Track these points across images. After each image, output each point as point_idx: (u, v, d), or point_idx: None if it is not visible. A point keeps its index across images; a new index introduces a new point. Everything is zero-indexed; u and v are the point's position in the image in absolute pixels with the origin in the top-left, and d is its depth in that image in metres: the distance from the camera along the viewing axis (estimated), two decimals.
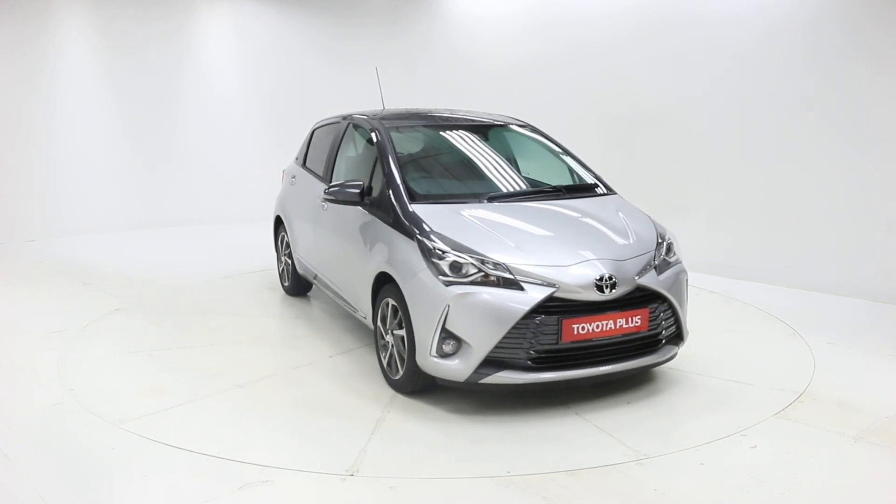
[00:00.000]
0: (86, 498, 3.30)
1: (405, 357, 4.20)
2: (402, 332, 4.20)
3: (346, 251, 5.04)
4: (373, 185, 4.86)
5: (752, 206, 7.17)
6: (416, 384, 4.23)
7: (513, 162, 5.38)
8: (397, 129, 5.21)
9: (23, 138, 8.86)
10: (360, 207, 4.83)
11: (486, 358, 3.86)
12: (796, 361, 4.92)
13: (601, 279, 3.95)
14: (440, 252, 4.04)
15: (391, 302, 4.32)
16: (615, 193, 5.03)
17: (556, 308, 3.89)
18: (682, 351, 4.51)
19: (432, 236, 4.14)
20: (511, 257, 3.98)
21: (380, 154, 4.91)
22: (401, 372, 4.29)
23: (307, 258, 5.94)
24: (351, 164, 5.54)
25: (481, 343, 3.84)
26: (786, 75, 6.80)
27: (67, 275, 7.25)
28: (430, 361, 3.99)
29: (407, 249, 4.21)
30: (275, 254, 6.97)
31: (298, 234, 6.11)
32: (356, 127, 5.58)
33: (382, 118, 5.34)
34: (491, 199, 4.61)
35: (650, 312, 4.09)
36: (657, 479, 3.40)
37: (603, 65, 8.19)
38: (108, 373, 4.73)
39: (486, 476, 3.42)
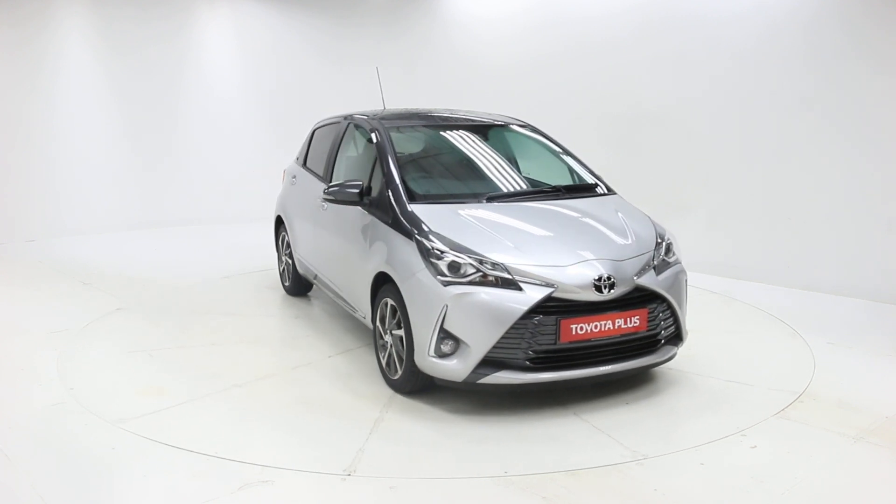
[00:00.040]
0: (86, 498, 3.30)
1: (404, 357, 4.20)
2: (401, 332, 4.20)
3: (345, 251, 5.05)
4: (372, 185, 4.86)
5: (752, 206, 7.17)
6: (415, 384, 4.23)
7: (513, 162, 5.38)
8: (397, 129, 5.21)
9: (23, 138, 8.87)
10: (359, 207, 4.84)
11: (485, 358, 3.86)
12: (796, 361, 4.92)
13: (599, 279, 3.95)
14: (438, 252, 4.04)
15: (390, 302, 4.32)
16: (615, 193, 5.03)
17: (555, 308, 3.88)
18: (682, 351, 4.51)
19: (431, 236, 4.15)
20: (509, 257, 3.98)
21: (379, 154, 4.91)
22: (399, 372, 4.29)
23: (307, 258, 5.94)
24: (351, 164, 5.54)
25: (479, 343, 3.84)
26: (786, 75, 6.80)
27: (67, 275, 7.25)
28: (429, 361, 3.99)
29: (405, 249, 4.21)
30: (275, 253, 6.98)
31: (299, 234, 6.11)
32: (356, 127, 5.58)
33: (382, 118, 5.34)
34: (490, 199, 4.61)
35: (649, 313, 4.09)
36: (657, 479, 3.40)
37: (603, 65, 8.18)
38: (107, 373, 4.74)
39: (486, 476, 3.42)
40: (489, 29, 9.44)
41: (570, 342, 3.90)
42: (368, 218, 4.72)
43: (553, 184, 5.01)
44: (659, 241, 4.41)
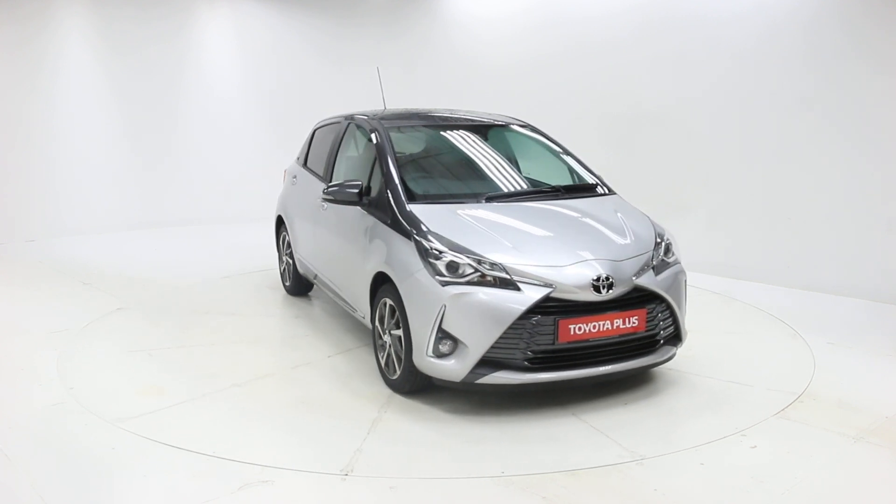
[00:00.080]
0: (86, 498, 3.30)
1: (402, 357, 4.20)
2: (400, 332, 4.20)
3: (345, 251, 5.05)
4: (371, 185, 4.86)
5: (751, 206, 7.17)
6: (414, 384, 4.23)
7: (513, 162, 5.38)
8: (398, 129, 5.21)
9: (23, 138, 8.87)
10: (358, 207, 4.84)
11: (483, 358, 3.86)
12: (796, 362, 4.92)
13: (598, 279, 3.95)
14: (437, 252, 4.04)
15: (389, 302, 4.32)
16: (614, 193, 5.02)
17: (553, 308, 3.88)
18: (682, 351, 4.51)
19: (429, 236, 4.15)
20: (508, 257, 3.98)
21: (378, 154, 4.91)
22: (398, 372, 4.29)
23: (307, 258, 5.94)
24: (351, 164, 5.54)
25: (477, 343, 3.84)
26: (786, 75, 6.80)
27: (67, 275, 7.25)
28: (427, 361, 3.99)
29: (404, 249, 4.21)
30: (275, 253, 6.98)
31: (299, 234, 6.11)
32: (356, 127, 5.58)
33: (382, 118, 5.34)
34: (489, 199, 4.61)
35: (648, 313, 4.09)
36: (657, 479, 3.40)
37: (603, 65, 8.18)
38: (107, 372, 4.74)
39: (486, 476, 3.42)
40: (489, 29, 9.44)
41: (569, 342, 3.90)
42: (368, 218, 4.72)
43: (553, 184, 5.01)
44: (658, 241, 4.41)
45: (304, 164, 6.28)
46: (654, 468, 3.50)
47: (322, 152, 5.97)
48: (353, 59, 10.50)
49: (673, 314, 4.25)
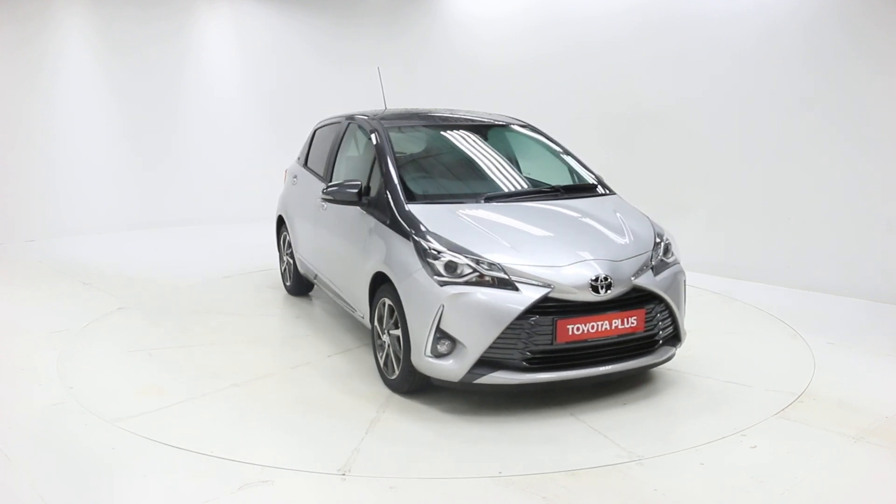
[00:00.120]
0: (86, 498, 3.30)
1: (401, 357, 4.21)
2: (399, 332, 4.20)
3: (344, 251, 5.05)
4: (371, 185, 4.86)
5: (751, 206, 7.17)
6: (412, 384, 4.23)
7: (513, 162, 5.38)
8: (398, 129, 5.21)
9: (23, 138, 8.88)
10: (358, 207, 4.84)
11: (481, 358, 3.85)
12: (796, 362, 4.91)
13: (596, 279, 3.95)
14: (435, 252, 4.04)
15: (388, 302, 4.32)
16: (614, 193, 5.02)
17: (552, 308, 3.88)
18: (681, 351, 4.51)
19: (428, 236, 4.15)
20: (506, 257, 3.98)
21: (378, 154, 4.91)
22: (397, 372, 4.29)
23: (308, 258, 5.95)
24: (351, 164, 5.54)
25: (476, 343, 3.84)
26: (786, 75, 6.80)
27: (67, 275, 7.25)
28: (425, 361, 3.99)
29: (403, 249, 4.21)
30: (275, 253, 6.98)
31: (299, 234, 6.12)
32: (357, 127, 5.58)
33: (382, 118, 5.34)
34: (488, 200, 4.60)
35: (647, 313, 4.08)
36: (657, 480, 3.40)
37: (603, 65, 8.18)
38: (107, 372, 4.74)
39: (485, 476, 3.42)
40: (489, 29, 9.44)
41: (567, 342, 3.90)
42: (367, 218, 4.72)
43: (553, 184, 5.01)
44: (657, 241, 4.41)
45: (305, 164, 6.29)
46: (654, 468, 3.50)
47: (322, 152, 5.97)
48: (353, 59, 10.50)
49: (672, 314, 4.25)
